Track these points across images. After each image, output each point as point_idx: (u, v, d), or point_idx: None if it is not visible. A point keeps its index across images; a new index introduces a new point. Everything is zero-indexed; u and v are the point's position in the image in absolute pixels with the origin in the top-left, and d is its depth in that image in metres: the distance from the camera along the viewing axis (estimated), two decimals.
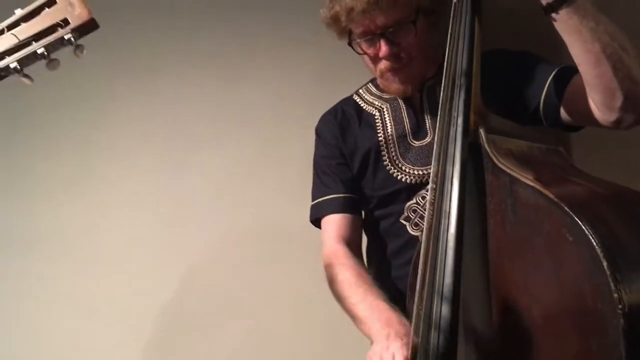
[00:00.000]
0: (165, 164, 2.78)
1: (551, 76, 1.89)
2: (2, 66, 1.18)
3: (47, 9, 1.17)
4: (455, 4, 1.71)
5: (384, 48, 1.96)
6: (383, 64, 2.00)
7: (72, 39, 1.15)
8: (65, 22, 1.15)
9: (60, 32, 1.15)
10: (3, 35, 1.20)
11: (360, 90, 2.23)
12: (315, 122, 2.26)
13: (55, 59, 1.18)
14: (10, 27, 1.21)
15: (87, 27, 1.15)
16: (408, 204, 2.05)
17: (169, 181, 2.77)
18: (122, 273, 2.72)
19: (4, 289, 2.66)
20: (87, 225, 2.74)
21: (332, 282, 2.05)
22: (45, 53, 1.17)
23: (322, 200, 2.17)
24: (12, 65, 1.18)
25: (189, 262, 2.75)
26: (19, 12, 1.21)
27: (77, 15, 1.14)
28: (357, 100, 2.21)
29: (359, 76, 2.24)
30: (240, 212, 2.77)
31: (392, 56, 1.97)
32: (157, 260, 2.73)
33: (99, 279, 2.71)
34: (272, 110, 2.78)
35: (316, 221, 2.19)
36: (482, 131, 1.63)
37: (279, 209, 2.73)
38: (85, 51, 1.16)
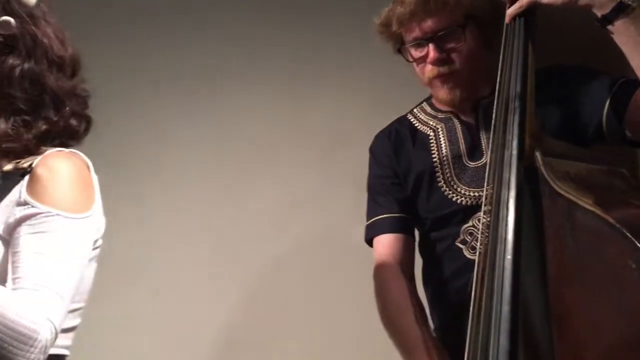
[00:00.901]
0: (223, 185, 2.78)
1: (612, 90, 1.83)
2: None
3: None
4: (507, 25, 1.68)
5: (432, 53, 1.96)
6: (431, 70, 1.99)
7: None
8: None
9: None
10: None
11: (415, 110, 2.20)
12: (370, 141, 2.24)
13: (5, 20, 1.11)
14: None
15: None
16: (464, 226, 2.00)
17: (227, 202, 2.77)
18: (187, 289, 2.74)
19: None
20: (155, 238, 2.77)
21: (380, 303, 2.05)
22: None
23: (376, 220, 2.14)
24: None
25: (251, 277, 2.73)
26: None
27: None
28: (412, 120, 2.18)
29: (413, 96, 2.22)
30: (295, 232, 2.73)
31: (439, 61, 1.96)
32: (219, 278, 2.73)
33: (163, 294, 2.74)
34: (329, 129, 2.76)
35: (370, 241, 2.16)
36: (538, 154, 1.59)
37: (334, 228, 2.68)
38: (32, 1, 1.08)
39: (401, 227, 2.11)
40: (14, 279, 1.41)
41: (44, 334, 1.37)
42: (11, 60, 1.51)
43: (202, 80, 2.81)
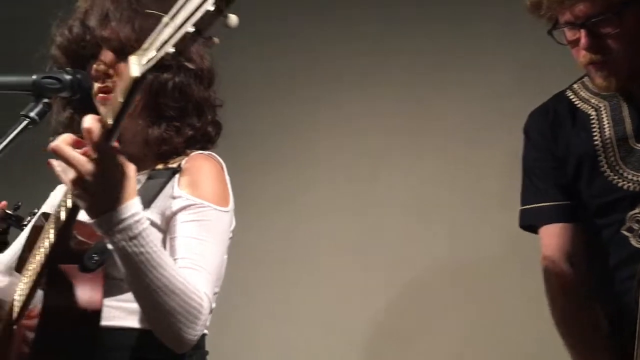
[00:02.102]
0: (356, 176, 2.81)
1: None
2: (162, 54, 1.16)
3: None
4: None
5: (583, 39, 1.80)
6: (584, 56, 1.83)
7: (218, 9, 1.10)
8: None
9: (205, 5, 1.10)
10: (168, 26, 1.19)
11: (575, 86, 2.01)
12: (513, 124, 2.12)
13: (209, 37, 1.14)
14: (174, 15, 1.19)
15: None
16: (630, 213, 1.85)
17: (358, 193, 2.80)
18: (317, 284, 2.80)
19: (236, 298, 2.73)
20: (288, 234, 2.85)
21: (551, 302, 1.95)
22: (197, 31, 1.12)
23: (538, 207, 1.99)
24: (170, 51, 1.15)
25: (382, 274, 2.74)
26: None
27: None
28: (571, 97, 2.00)
29: (562, 74, 2.06)
30: (433, 222, 2.71)
31: (592, 48, 1.80)
32: (349, 275, 2.77)
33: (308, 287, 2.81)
34: (464, 116, 2.67)
35: (529, 227, 2.02)
36: None
37: (477, 217, 2.62)
38: (235, 20, 1.11)
39: (568, 215, 1.96)
40: (175, 259, 1.51)
41: (206, 309, 1.48)
42: (166, 75, 1.64)
43: (341, 84, 2.87)
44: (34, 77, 1.51)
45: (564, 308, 1.92)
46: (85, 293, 1.46)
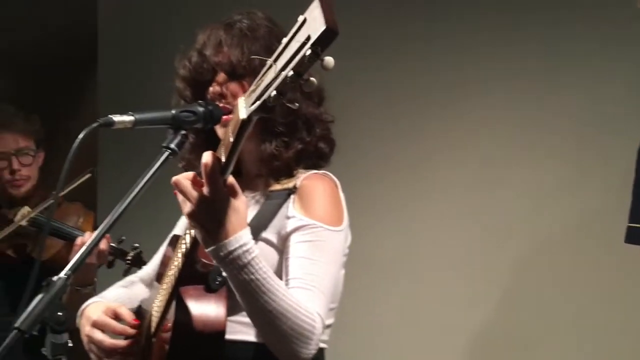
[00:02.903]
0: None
1: None
2: (265, 97, 1.24)
3: (299, 32, 1.20)
4: None
5: None
6: None
7: (314, 53, 1.16)
8: (308, 39, 1.16)
9: (302, 50, 1.16)
10: (271, 68, 1.27)
11: None
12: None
13: (308, 79, 1.20)
14: (276, 58, 1.26)
15: (325, 38, 1.13)
16: None
17: (476, 202, 2.78)
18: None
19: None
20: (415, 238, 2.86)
21: None
22: (296, 74, 1.19)
23: None
24: (272, 94, 1.23)
25: (500, 282, 2.72)
26: (283, 42, 1.26)
27: (316, 28, 1.14)
28: None
29: None
30: (559, 222, 2.65)
31: None
32: (477, 277, 2.75)
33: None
34: (589, 116, 2.60)
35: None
36: None
37: (603, 219, 2.54)
38: (331, 63, 1.16)
39: None
40: (287, 280, 1.62)
41: (318, 328, 1.56)
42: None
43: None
44: (173, 112, 1.62)
45: None
46: (211, 311, 1.59)
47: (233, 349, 1.64)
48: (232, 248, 1.45)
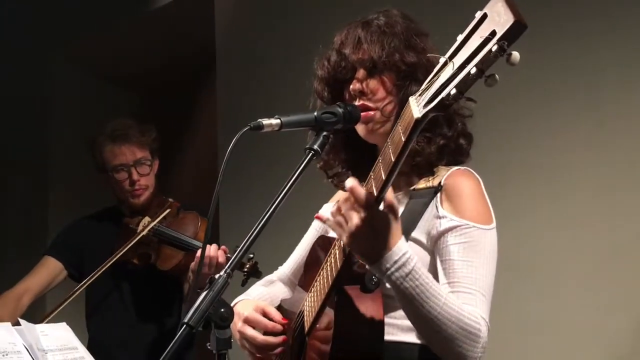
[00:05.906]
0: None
1: None
2: (444, 95, 1.24)
3: (479, 27, 1.19)
4: None
5: None
6: None
7: (501, 48, 1.15)
8: (493, 33, 1.15)
9: (488, 46, 1.15)
10: (447, 66, 1.26)
11: None
12: None
13: (491, 75, 1.19)
14: (452, 55, 1.26)
15: (513, 32, 1.13)
16: None
17: (615, 202, 2.70)
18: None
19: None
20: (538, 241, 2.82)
21: None
22: (479, 71, 1.18)
23: None
24: (452, 92, 1.22)
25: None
26: (459, 38, 1.25)
27: (502, 22, 1.13)
28: None
29: None
30: None
31: None
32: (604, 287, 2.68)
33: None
34: None
35: None
36: None
37: None
38: (517, 58, 1.15)
39: None
40: (448, 283, 1.63)
41: (484, 331, 1.57)
42: (413, 87, 1.72)
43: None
44: (315, 113, 1.65)
45: None
46: (369, 311, 1.61)
47: (396, 350, 1.65)
48: (395, 259, 1.49)
